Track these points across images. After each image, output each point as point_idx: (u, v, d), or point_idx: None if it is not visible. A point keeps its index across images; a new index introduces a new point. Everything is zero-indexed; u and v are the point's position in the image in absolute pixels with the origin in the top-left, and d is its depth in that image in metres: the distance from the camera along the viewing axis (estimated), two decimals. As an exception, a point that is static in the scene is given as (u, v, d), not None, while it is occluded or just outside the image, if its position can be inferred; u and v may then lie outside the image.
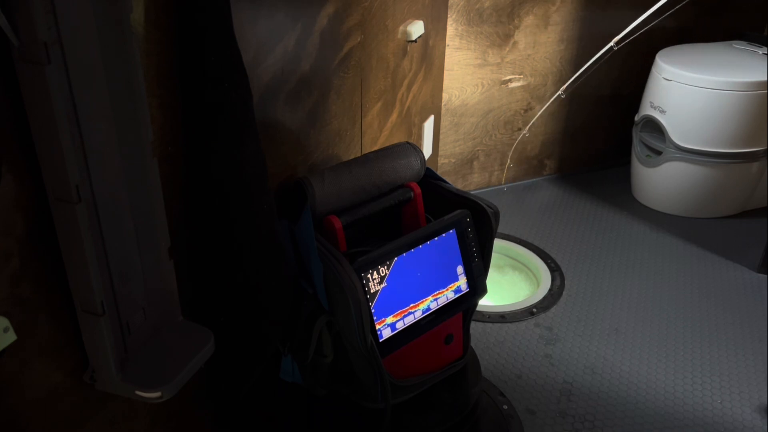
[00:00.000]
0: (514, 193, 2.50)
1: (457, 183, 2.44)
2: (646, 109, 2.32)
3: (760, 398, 1.55)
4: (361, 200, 1.14)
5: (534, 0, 2.20)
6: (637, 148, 2.40)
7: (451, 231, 1.14)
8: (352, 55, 1.30)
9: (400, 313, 1.08)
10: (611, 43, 2.09)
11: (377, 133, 1.55)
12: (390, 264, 1.05)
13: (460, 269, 1.16)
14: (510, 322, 1.80)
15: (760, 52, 2.31)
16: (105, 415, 0.79)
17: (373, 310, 1.03)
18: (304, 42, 1.09)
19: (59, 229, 0.65)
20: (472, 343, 1.36)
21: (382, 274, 1.04)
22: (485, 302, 1.88)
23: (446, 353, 1.20)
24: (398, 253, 1.06)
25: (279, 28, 1.00)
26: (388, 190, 1.17)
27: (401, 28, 1.61)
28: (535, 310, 1.85)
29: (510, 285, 2.12)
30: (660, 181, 2.34)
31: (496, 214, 1.17)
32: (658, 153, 2.30)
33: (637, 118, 2.40)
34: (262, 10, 0.95)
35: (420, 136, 2.00)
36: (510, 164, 2.46)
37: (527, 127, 2.38)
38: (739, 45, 2.41)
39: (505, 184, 2.51)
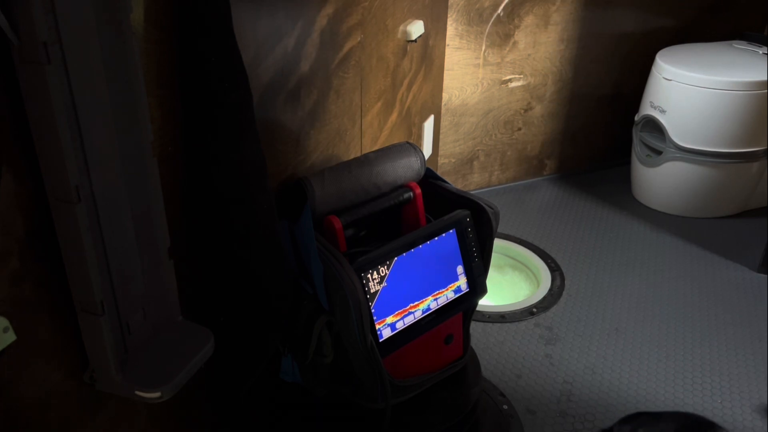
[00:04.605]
0: (514, 193, 2.50)
1: (457, 183, 2.44)
2: (646, 109, 2.32)
3: (760, 398, 1.55)
4: (361, 200, 1.14)
5: (534, 0, 2.20)
6: (637, 148, 2.40)
7: (451, 231, 1.14)
8: (352, 55, 1.30)
9: (400, 313, 1.08)
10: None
11: (377, 133, 1.55)
12: (390, 264, 1.05)
13: (460, 269, 1.16)
14: (510, 322, 1.80)
15: (760, 52, 2.31)
16: (105, 415, 0.79)
17: (373, 310, 1.03)
18: (304, 42, 1.09)
19: (59, 229, 0.65)
20: (472, 343, 1.36)
21: (382, 274, 1.04)
22: (485, 302, 1.88)
23: (446, 353, 1.20)
24: (398, 253, 1.06)
25: (279, 28, 1.00)
26: (389, 190, 1.17)
27: (401, 28, 1.61)
28: (535, 310, 1.85)
29: (510, 285, 2.12)
30: (660, 181, 2.34)
31: (496, 214, 1.17)
32: (658, 153, 2.30)
33: (637, 117, 2.40)
34: (262, 10, 0.95)
35: (420, 136, 2.00)
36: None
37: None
38: (739, 45, 2.41)
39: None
